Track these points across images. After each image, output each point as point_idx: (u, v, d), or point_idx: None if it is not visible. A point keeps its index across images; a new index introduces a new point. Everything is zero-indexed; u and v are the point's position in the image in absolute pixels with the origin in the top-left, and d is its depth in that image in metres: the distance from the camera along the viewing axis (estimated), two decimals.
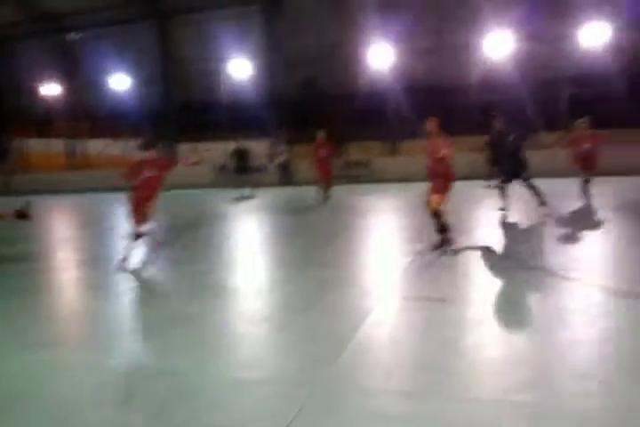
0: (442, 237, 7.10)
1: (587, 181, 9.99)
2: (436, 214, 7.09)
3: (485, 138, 13.90)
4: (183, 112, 22.90)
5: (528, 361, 3.36)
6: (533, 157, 9.62)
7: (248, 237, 9.30)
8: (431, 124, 7.35)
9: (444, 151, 7.00)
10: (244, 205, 14.25)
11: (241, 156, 16.29)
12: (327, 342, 3.79)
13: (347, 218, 10.58)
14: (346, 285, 5.33)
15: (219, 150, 20.99)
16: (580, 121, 10.29)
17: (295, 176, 19.97)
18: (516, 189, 9.49)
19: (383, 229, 9.29)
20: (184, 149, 23.06)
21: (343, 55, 20.58)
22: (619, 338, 3.67)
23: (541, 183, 9.35)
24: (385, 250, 7.37)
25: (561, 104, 19.41)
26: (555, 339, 3.70)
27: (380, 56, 19.96)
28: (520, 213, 9.38)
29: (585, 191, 9.99)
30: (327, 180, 13.30)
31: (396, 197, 14.76)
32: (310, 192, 13.63)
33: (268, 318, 4.46)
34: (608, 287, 4.81)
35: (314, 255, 6.99)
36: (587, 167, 10.02)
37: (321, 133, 13.31)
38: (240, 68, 21.56)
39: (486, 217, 9.62)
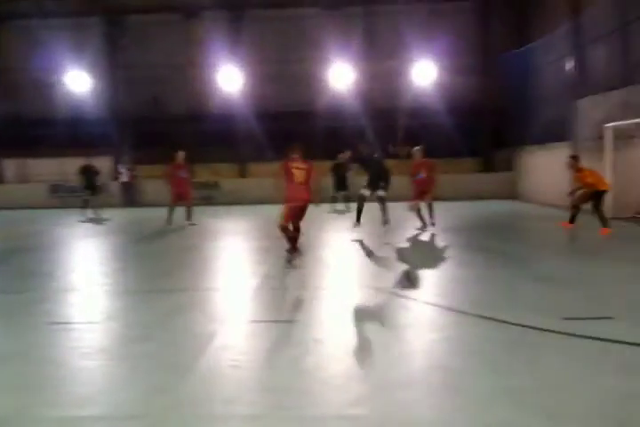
0: (290, 255, 7.56)
1: (428, 206, 10.73)
2: (285, 231, 7.59)
3: (344, 158, 14.55)
4: (11, 125, 20.75)
5: (365, 375, 3.55)
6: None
7: (87, 263, 8.64)
8: (297, 148, 7.85)
9: (310, 170, 7.70)
10: (86, 226, 13.26)
11: (89, 174, 14.97)
12: (169, 372, 3.64)
13: (195, 241, 10.35)
14: (191, 310, 5.19)
15: (52, 167, 19.44)
16: (416, 148, 10.99)
17: (140, 197, 19.13)
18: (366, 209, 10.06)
19: (232, 252, 9.24)
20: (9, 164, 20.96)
21: (191, 76, 20.38)
22: (447, 349, 4.05)
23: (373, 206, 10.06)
24: (234, 273, 7.33)
25: (396, 133, 21.15)
26: (389, 353, 3.95)
27: (230, 79, 20.12)
28: (365, 234, 9.94)
29: (424, 215, 10.82)
30: (189, 201, 12.63)
31: (245, 219, 14.82)
32: (156, 213, 13.13)
33: (106, 350, 4.16)
34: (437, 304, 5.29)
35: (160, 281, 6.71)
36: (423, 193, 10.69)
37: (180, 154, 12.59)
38: (79, 82, 20.25)
39: (333, 239, 10.05)
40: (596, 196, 10.09)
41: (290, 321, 4.73)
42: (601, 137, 12.34)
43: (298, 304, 5.41)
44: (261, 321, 4.84)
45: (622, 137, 12.08)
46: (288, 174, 7.68)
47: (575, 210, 10.41)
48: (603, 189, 10.06)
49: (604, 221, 10.00)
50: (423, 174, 10.78)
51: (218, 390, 3.36)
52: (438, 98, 20.24)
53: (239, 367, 3.69)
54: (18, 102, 20.78)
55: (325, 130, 20.09)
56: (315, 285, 6.41)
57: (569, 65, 15.62)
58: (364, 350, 4.09)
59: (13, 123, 20.65)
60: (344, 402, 3.13)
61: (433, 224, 10.74)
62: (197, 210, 13.21)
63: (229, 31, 20.57)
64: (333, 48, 19.86)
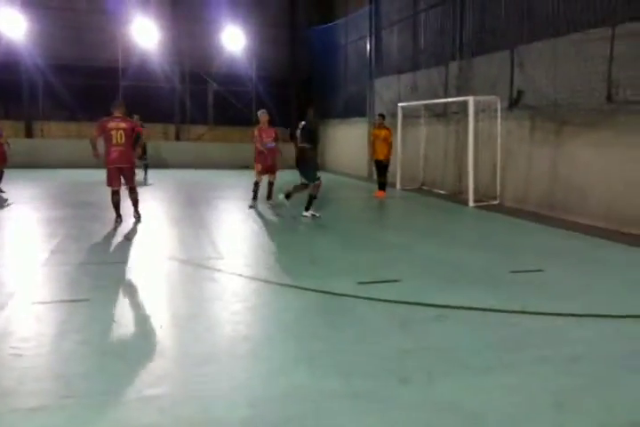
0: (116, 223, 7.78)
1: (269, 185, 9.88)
2: (113, 195, 7.78)
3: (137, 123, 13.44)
4: None
5: (167, 352, 3.43)
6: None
7: None
8: (120, 105, 7.73)
9: (131, 130, 7.64)
10: None
11: None
12: None
13: None
14: None
15: None
16: (261, 111, 9.93)
17: None
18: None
19: (18, 224, 8.18)
20: None
21: None
22: (251, 319, 4.12)
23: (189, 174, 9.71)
24: (18, 248, 6.49)
25: (207, 98, 20.62)
26: (193, 327, 3.88)
27: (10, 24, 17.48)
28: (174, 205, 9.57)
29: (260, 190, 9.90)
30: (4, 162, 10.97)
31: (35, 185, 13.24)
32: None
33: None
34: (243, 275, 5.34)
35: None
36: (270, 167, 9.84)
37: None
38: None
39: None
40: (378, 163, 11.58)
41: (82, 300, 4.35)
42: (393, 115, 13.49)
43: (92, 281, 5.00)
44: (48, 302, 4.37)
45: (410, 116, 13.37)
46: (106, 135, 7.51)
47: (381, 178, 11.54)
48: (379, 158, 11.53)
49: (382, 185, 11.44)
50: (272, 144, 9.75)
51: None
52: (248, 66, 20.15)
53: (21, 355, 3.29)
54: None
55: (128, 89, 18.72)
56: (113, 259, 6.00)
57: (368, 46, 16.67)
58: (167, 326, 3.96)
59: None
60: (143, 383, 2.99)
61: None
62: None
63: None
64: (136, 2, 18.45)
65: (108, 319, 3.97)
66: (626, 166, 7.73)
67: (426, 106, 12.82)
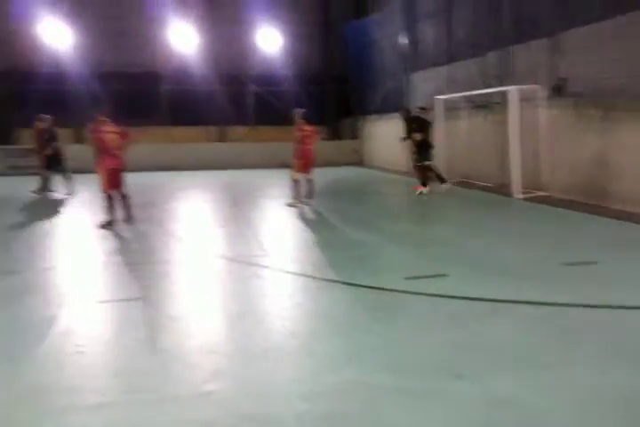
0: (106, 226, 7.79)
1: (309, 180, 9.85)
2: (108, 199, 7.91)
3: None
4: None
5: (221, 349, 3.53)
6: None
7: None
8: (105, 110, 8.08)
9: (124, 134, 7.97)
10: None
11: None
12: (3, 364, 3.29)
13: (23, 217, 9.37)
14: (27, 294, 4.71)
15: None
16: (297, 110, 9.82)
17: None
18: None
19: (70, 228, 8.50)
20: None
21: (5, 29, 17.96)
22: (299, 315, 4.18)
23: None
24: (75, 250, 6.76)
25: (247, 100, 20.87)
26: (244, 324, 3.96)
27: (55, 34, 18.12)
28: (213, 202, 9.68)
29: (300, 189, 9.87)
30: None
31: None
32: None
33: None
34: (289, 271, 5.40)
35: None
36: (307, 164, 9.84)
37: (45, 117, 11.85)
38: None
39: (180, 209, 9.70)
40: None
41: (139, 299, 4.52)
42: (432, 108, 13.32)
43: (147, 280, 5.17)
44: (108, 301, 4.56)
45: (451, 108, 13.18)
46: (99, 139, 7.79)
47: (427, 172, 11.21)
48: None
49: (424, 180, 11.08)
50: (309, 142, 9.74)
51: (62, 380, 3.12)
52: (285, 65, 20.26)
53: (85, 353, 3.45)
54: None
55: (170, 93, 19.19)
56: (164, 258, 6.18)
57: (402, 40, 16.50)
58: (218, 323, 4.07)
59: None
60: (199, 379, 3.09)
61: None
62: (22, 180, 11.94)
63: None
64: (173, 7, 18.84)
65: (161, 317, 4.10)
66: None
67: (466, 97, 12.61)
